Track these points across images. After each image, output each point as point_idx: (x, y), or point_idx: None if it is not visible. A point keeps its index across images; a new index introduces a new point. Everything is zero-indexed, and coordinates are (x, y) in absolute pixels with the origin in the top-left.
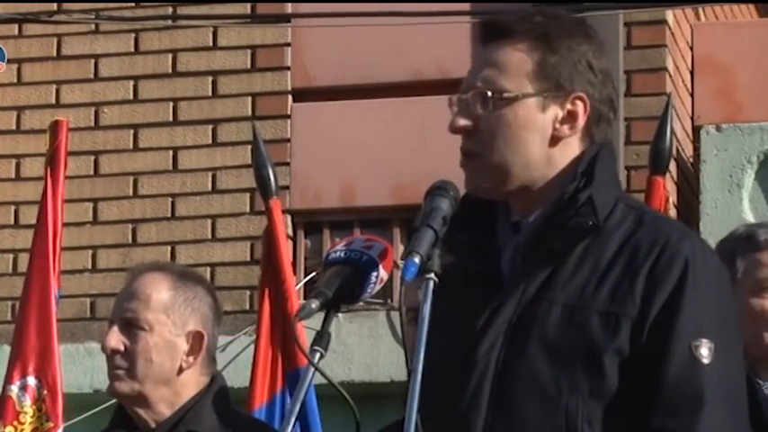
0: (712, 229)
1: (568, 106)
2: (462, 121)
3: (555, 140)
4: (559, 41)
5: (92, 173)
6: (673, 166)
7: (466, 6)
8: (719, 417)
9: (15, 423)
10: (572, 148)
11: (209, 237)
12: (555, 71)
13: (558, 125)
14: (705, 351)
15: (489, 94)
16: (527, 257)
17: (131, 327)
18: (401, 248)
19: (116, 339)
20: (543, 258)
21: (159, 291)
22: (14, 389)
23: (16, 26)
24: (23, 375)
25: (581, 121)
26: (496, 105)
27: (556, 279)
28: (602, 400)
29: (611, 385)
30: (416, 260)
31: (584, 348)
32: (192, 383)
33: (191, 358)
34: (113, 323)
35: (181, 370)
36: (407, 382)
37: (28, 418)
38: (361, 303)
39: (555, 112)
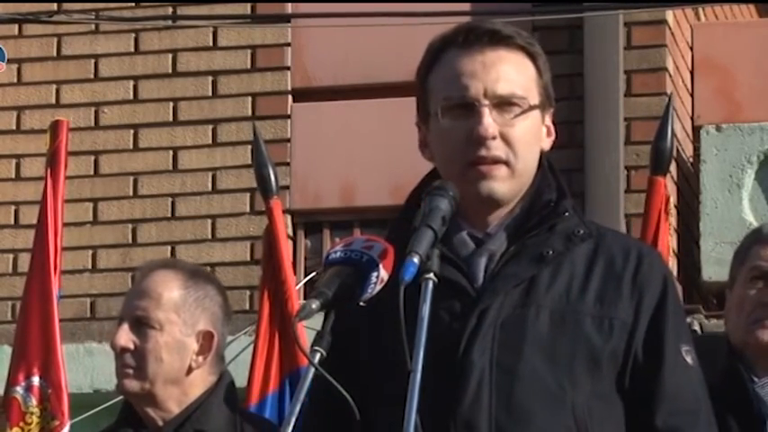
0: (712, 229)
1: (547, 120)
2: (494, 128)
3: (541, 153)
4: (543, 58)
5: (92, 173)
6: (673, 166)
7: (466, 6)
8: (710, 413)
9: (22, 424)
10: (538, 159)
11: (209, 237)
12: (548, 85)
13: (545, 138)
14: (688, 356)
15: (515, 101)
16: (508, 263)
17: (142, 325)
18: None
19: (126, 338)
20: (526, 264)
21: (170, 290)
22: (20, 390)
23: (16, 26)
24: (28, 376)
25: (553, 134)
26: (518, 113)
27: (536, 285)
28: (602, 401)
29: (609, 386)
30: (415, 260)
31: (583, 350)
32: (200, 382)
33: (200, 358)
34: (123, 321)
35: (190, 370)
36: (406, 382)
37: (34, 418)
38: (361, 303)
39: (545, 125)
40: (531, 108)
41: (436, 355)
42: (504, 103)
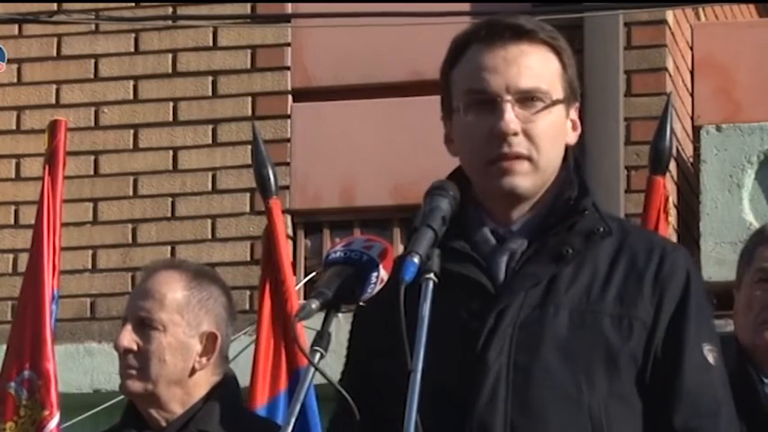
0: (712, 229)
1: (572, 114)
2: (516, 124)
3: (566, 147)
4: (568, 52)
5: (92, 173)
6: (673, 166)
7: (466, 6)
8: (732, 414)
9: (15, 418)
10: (563, 154)
11: (209, 237)
12: (572, 79)
13: (571, 132)
14: (710, 355)
15: (538, 96)
16: (528, 262)
17: (145, 326)
18: (401, 248)
19: (129, 338)
20: (546, 263)
21: (174, 290)
22: (13, 385)
23: (16, 26)
24: (20, 371)
25: (579, 128)
26: (541, 108)
27: (557, 284)
28: (620, 401)
29: (628, 386)
30: (416, 260)
31: (600, 350)
32: (203, 383)
33: (203, 359)
34: (127, 321)
35: (193, 371)
36: (407, 382)
37: (27, 411)
38: (361, 303)
39: (569, 119)
40: (555, 103)
41: (454, 355)
42: (526, 98)
